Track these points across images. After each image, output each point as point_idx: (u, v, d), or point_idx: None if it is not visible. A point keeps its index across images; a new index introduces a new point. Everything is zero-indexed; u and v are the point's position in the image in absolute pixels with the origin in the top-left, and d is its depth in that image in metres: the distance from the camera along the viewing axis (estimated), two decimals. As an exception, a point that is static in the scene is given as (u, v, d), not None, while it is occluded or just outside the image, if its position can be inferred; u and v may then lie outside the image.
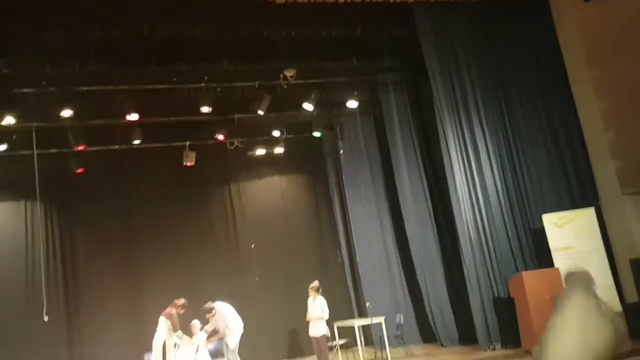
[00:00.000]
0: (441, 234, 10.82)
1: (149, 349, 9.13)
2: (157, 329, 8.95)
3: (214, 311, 9.14)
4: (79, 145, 10.37)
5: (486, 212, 9.42)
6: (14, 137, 10.04)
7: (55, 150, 10.47)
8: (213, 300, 9.29)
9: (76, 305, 11.20)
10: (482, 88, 9.72)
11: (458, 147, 9.57)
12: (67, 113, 9.69)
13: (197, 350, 8.89)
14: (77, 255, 11.50)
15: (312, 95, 10.76)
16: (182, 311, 9.01)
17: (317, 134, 11.91)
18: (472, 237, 9.37)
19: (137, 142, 10.67)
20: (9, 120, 9.43)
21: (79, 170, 10.83)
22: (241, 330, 9.24)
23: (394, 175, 11.24)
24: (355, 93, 11.27)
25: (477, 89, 9.71)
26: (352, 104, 11.36)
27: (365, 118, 11.95)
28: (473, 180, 9.53)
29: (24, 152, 10.10)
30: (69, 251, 11.49)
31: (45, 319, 9.60)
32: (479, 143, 9.59)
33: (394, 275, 11.47)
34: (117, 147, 10.87)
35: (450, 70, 9.68)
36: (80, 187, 11.28)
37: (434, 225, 10.89)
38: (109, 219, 11.55)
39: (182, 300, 9.06)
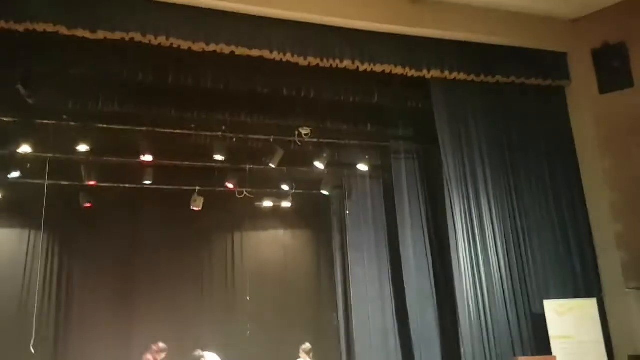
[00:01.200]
0: (441, 306, 10.65)
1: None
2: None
3: None
4: (90, 180, 10.50)
5: (488, 290, 9.27)
6: (29, 165, 10.21)
7: (66, 183, 10.61)
8: (203, 349, 9.14)
9: (65, 339, 11.11)
10: (491, 166, 9.77)
11: (464, 222, 9.53)
12: (83, 148, 9.87)
13: None
14: (72, 288, 11.48)
15: (324, 155, 10.92)
16: (160, 357, 8.84)
17: (325, 192, 11.99)
18: (472, 314, 9.19)
19: (147, 182, 10.80)
20: (26, 148, 9.62)
21: (87, 205, 10.93)
22: None
23: (398, 242, 11.18)
24: (367, 157, 11.41)
25: (486, 167, 9.76)
26: (362, 167, 11.48)
27: (375, 182, 12.02)
28: (477, 256, 9.42)
29: (36, 181, 10.23)
30: (65, 283, 11.49)
31: (33, 350, 9.48)
32: (485, 220, 9.55)
33: (389, 344, 11.19)
34: (127, 185, 10.98)
35: (462, 145, 9.77)
36: (85, 220, 11.39)
37: (435, 297, 10.73)
38: (109, 255, 11.58)
39: (160, 345, 8.91)
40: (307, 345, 9.21)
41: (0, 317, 10.66)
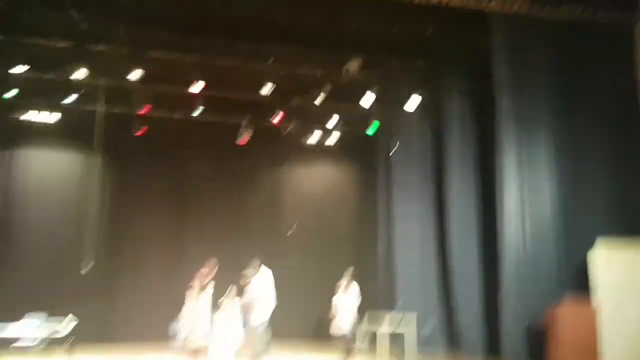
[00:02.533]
0: (484, 247, 10.59)
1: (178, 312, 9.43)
2: (188, 295, 9.27)
3: (249, 280, 9.33)
4: (141, 107, 10.72)
5: (533, 234, 9.13)
6: (82, 90, 10.49)
7: (119, 110, 10.87)
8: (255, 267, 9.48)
9: (120, 258, 11.70)
10: (547, 109, 9.38)
11: (514, 163, 9.30)
12: (134, 75, 10.02)
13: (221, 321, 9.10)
14: (125, 212, 11.99)
15: (373, 90, 10.70)
16: (207, 278, 9.27)
17: (372, 129, 11.85)
18: (515, 257, 9.14)
19: (196, 113, 10.93)
20: (80, 74, 9.85)
21: (139, 132, 11.20)
22: (270, 309, 9.37)
23: (444, 182, 11.07)
24: (417, 93, 11.13)
25: (542, 109, 9.38)
26: (411, 103, 11.23)
27: (423, 120, 11.79)
28: (524, 199, 9.25)
29: (90, 107, 10.52)
30: (118, 207, 11.99)
31: (83, 272, 10.03)
32: (536, 163, 9.29)
33: (429, 281, 11.29)
34: (176, 115, 11.15)
35: (518, 85, 9.38)
36: (137, 147, 11.76)
37: (478, 237, 10.67)
38: (159, 182, 12.02)
39: (210, 265, 9.35)
40: (349, 272, 9.42)
41: (56, 236, 11.27)
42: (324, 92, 10.52)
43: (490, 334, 9.93)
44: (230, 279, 9.90)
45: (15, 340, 8.63)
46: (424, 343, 9.96)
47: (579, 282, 9.03)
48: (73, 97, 10.50)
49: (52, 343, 8.73)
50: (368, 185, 12.81)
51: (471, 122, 10.98)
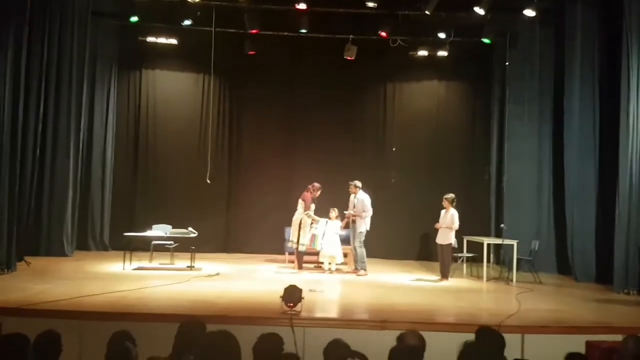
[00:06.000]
0: (602, 166, 10.07)
1: (289, 223, 10.27)
2: (297, 208, 10.05)
3: (358, 189, 9.96)
4: (253, 28, 11.11)
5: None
6: (198, 13, 11.08)
7: (232, 30, 11.37)
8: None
9: (237, 172, 12.69)
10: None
11: (641, 77, 8.54)
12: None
13: (324, 233, 9.81)
14: (242, 129, 12.80)
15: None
16: (316, 193, 9.98)
17: (486, 40, 11.27)
18: (634, 176, 8.71)
19: (303, 30, 11.12)
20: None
21: (251, 52, 11.69)
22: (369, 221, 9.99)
23: (564, 96, 10.45)
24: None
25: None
26: (530, 11, 10.47)
27: (544, 29, 11.06)
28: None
29: (206, 28, 11.11)
30: (236, 124, 12.82)
31: (208, 181, 11.11)
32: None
33: (541, 201, 11.14)
34: (285, 33, 11.43)
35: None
36: (250, 67, 12.31)
37: (597, 156, 10.12)
38: (272, 100, 12.56)
39: (316, 185, 10.09)
40: (451, 195, 9.52)
41: (182, 151, 12.45)
42: (433, 0, 10.10)
43: (602, 252, 9.67)
44: (336, 193, 10.55)
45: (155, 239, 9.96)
46: (529, 264, 9.87)
47: None
48: (189, 21, 11.10)
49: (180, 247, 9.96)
50: (482, 101, 12.40)
51: (598, 31, 10.05)
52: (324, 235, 9.93)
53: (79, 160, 11.17)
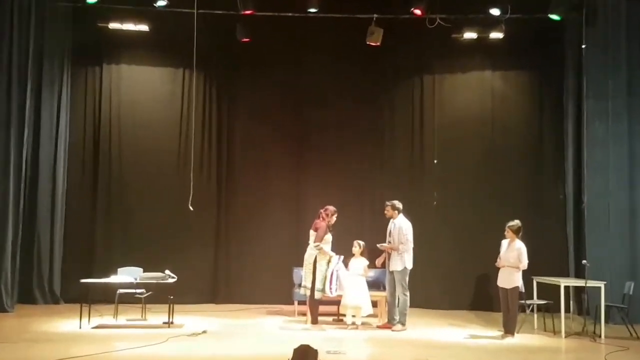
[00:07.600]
0: None
1: (299, 263, 10.17)
2: (309, 242, 9.95)
3: (397, 212, 9.94)
4: (246, 8, 11.13)
5: None
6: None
7: (219, 12, 11.41)
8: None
9: (228, 195, 12.71)
10: None
11: None
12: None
13: (336, 273, 9.71)
14: (233, 138, 12.88)
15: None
16: (332, 219, 9.88)
17: (555, 16, 11.26)
18: None
19: (313, 10, 11.15)
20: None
21: (245, 39, 11.73)
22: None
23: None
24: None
25: None
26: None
27: (632, 1, 10.98)
28: None
29: (186, 10, 11.14)
30: (226, 132, 12.90)
31: (191, 208, 11.03)
32: None
33: (636, 228, 11.03)
34: (289, 14, 11.46)
35: None
36: (244, 56, 12.40)
37: None
38: (272, 100, 12.60)
39: (330, 208, 10.07)
40: (516, 223, 9.35)
41: (159, 169, 12.49)
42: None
43: None
44: (358, 220, 10.39)
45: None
46: (622, 313, 9.80)
47: None
48: (164, 1, 11.15)
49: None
50: (551, 96, 12.41)
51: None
52: (336, 277, 9.78)
53: (20, 185, 11.16)
